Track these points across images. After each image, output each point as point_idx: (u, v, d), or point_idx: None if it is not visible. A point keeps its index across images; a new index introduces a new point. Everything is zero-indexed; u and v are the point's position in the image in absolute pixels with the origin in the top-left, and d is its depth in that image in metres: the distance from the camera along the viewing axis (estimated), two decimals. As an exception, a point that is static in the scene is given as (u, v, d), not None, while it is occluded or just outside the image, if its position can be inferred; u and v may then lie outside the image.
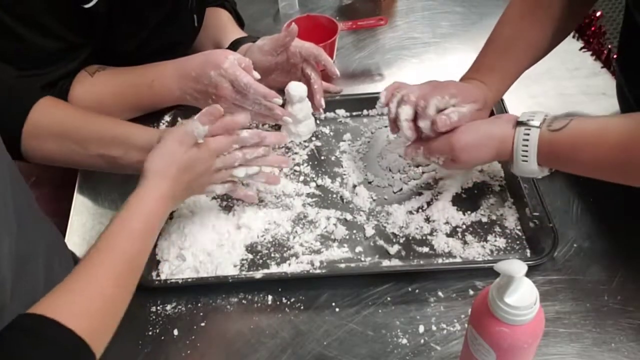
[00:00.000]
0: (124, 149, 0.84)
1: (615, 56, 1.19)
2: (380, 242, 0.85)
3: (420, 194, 0.91)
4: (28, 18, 0.84)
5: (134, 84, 0.98)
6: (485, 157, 0.83)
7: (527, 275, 0.55)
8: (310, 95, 1.00)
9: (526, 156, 0.78)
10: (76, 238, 0.89)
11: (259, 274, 0.81)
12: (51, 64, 0.91)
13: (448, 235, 0.85)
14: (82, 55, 0.94)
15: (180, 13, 1.02)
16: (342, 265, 0.83)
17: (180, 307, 0.80)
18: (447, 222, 0.86)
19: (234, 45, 1.06)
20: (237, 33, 1.09)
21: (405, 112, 0.85)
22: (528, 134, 0.77)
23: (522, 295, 0.56)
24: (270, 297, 0.80)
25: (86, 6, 0.86)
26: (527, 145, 0.77)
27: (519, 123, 0.79)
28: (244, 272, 0.83)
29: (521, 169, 0.80)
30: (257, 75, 0.94)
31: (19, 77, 0.89)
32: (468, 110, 0.85)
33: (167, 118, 1.02)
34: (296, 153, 0.99)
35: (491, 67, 0.91)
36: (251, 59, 1.00)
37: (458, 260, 0.82)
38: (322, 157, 0.99)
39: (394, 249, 0.84)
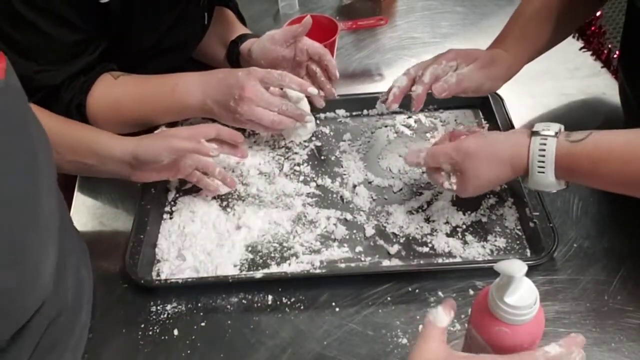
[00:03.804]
0: (99, 159, 0.85)
1: (615, 56, 1.19)
2: (380, 242, 0.85)
3: (420, 193, 0.91)
4: (47, 10, 0.83)
5: (156, 88, 0.97)
6: (495, 170, 0.76)
7: (527, 275, 0.55)
8: (320, 88, 1.01)
9: (543, 167, 0.73)
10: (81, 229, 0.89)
11: (259, 274, 0.81)
12: (71, 57, 0.91)
13: (448, 235, 0.85)
14: (101, 46, 0.94)
15: (192, 11, 1.02)
16: (342, 265, 0.83)
17: (180, 307, 0.80)
18: (447, 222, 0.86)
19: (240, 40, 1.06)
20: (242, 30, 1.10)
21: (400, 81, 0.87)
22: (545, 144, 0.73)
23: (522, 295, 0.56)
24: (270, 297, 0.80)
25: (102, 1, 0.86)
26: (543, 155, 0.73)
27: (534, 133, 0.74)
28: (244, 272, 0.83)
29: (537, 182, 0.75)
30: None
31: (39, 71, 0.89)
32: (469, 70, 0.85)
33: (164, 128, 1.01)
34: (296, 153, 0.99)
35: (514, 37, 0.92)
36: (260, 48, 1.00)
37: (458, 260, 0.82)
38: (322, 157, 0.99)
39: (394, 249, 0.84)
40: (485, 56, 0.88)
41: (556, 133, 0.73)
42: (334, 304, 0.79)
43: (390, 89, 0.90)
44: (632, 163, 0.69)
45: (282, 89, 0.97)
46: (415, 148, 0.85)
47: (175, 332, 0.77)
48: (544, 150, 0.73)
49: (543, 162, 0.73)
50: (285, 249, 0.85)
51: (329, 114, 1.06)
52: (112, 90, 0.96)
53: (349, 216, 0.89)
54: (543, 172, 0.73)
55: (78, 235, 0.79)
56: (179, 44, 1.05)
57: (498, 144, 0.77)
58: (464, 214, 0.87)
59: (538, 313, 0.57)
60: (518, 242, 0.84)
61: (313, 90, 0.94)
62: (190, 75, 0.97)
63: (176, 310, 0.80)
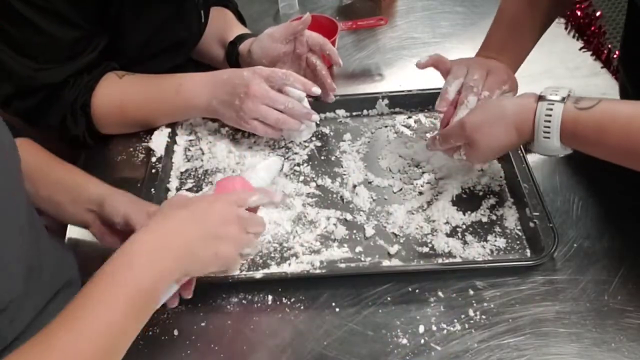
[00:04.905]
0: (72, 197, 0.80)
1: (615, 56, 1.20)
2: (380, 242, 0.85)
3: (420, 193, 0.91)
4: (45, 7, 0.84)
5: (160, 87, 0.97)
6: (503, 136, 0.78)
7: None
8: (320, 84, 1.00)
9: (548, 132, 0.74)
10: (76, 237, 0.89)
11: (259, 274, 0.81)
12: (71, 55, 0.91)
13: (448, 235, 0.85)
14: (100, 44, 0.94)
15: (188, 9, 1.02)
16: (342, 265, 0.83)
17: (180, 307, 0.80)
18: (447, 222, 0.86)
19: (238, 41, 1.06)
20: (241, 30, 1.10)
21: (472, 102, 0.86)
22: (551, 109, 0.73)
23: None
24: (270, 297, 0.80)
25: None
26: (549, 121, 0.73)
27: (541, 97, 0.75)
28: (244, 272, 0.83)
29: (542, 147, 0.76)
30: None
31: (39, 70, 0.89)
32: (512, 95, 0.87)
33: (164, 128, 1.02)
34: (296, 153, 0.99)
35: (502, 46, 0.92)
36: (260, 47, 1.00)
37: (458, 260, 0.82)
38: (322, 157, 0.99)
39: (394, 249, 0.83)
40: (513, 80, 0.90)
41: (564, 98, 0.74)
42: (334, 304, 0.79)
43: (450, 100, 0.89)
44: (634, 133, 0.69)
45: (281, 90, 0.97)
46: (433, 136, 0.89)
47: (175, 332, 0.77)
48: (550, 116, 0.73)
49: (549, 127, 0.73)
50: (285, 249, 0.85)
51: (329, 114, 1.06)
52: (116, 89, 0.96)
53: (349, 216, 0.88)
54: (548, 138, 0.74)
55: (61, 244, 0.79)
56: (176, 44, 1.05)
57: (504, 110, 0.78)
58: (464, 214, 0.87)
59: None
60: (518, 242, 0.84)
61: (317, 89, 0.94)
62: (195, 75, 0.97)
63: (176, 310, 0.80)
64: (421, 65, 0.93)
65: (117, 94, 0.96)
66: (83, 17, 0.88)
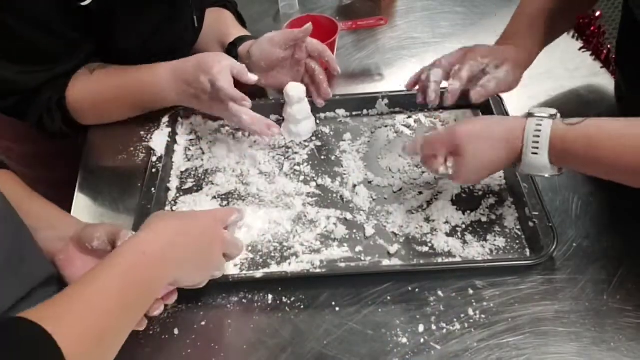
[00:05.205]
0: (48, 223, 0.78)
1: (614, 55, 1.20)
2: (380, 242, 0.85)
3: (420, 193, 0.91)
4: (30, 17, 0.84)
5: (130, 81, 0.98)
6: (490, 150, 0.77)
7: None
8: (316, 87, 1.01)
9: (537, 148, 0.73)
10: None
11: (259, 274, 0.81)
12: (53, 62, 0.92)
13: (448, 235, 0.85)
14: (84, 53, 0.95)
15: (180, 12, 1.03)
16: (342, 265, 0.83)
17: (180, 306, 0.80)
18: (446, 222, 0.86)
19: (237, 43, 1.06)
20: (240, 31, 1.10)
21: (435, 74, 0.86)
22: (540, 124, 0.73)
23: None
24: (270, 297, 0.80)
25: (83, 4, 0.86)
26: (538, 136, 0.73)
27: (530, 114, 0.75)
28: (244, 272, 0.83)
29: (530, 164, 0.75)
30: (254, 77, 0.94)
31: (20, 72, 0.89)
32: (504, 74, 0.87)
33: (165, 119, 1.02)
34: (296, 153, 0.99)
35: (522, 35, 0.93)
36: (259, 50, 1.01)
37: (458, 259, 0.82)
38: (322, 157, 0.99)
39: (393, 249, 0.84)
40: (514, 58, 0.90)
41: (552, 115, 0.74)
42: (333, 303, 0.79)
43: (419, 80, 0.91)
44: (626, 149, 0.70)
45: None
46: (415, 138, 0.88)
47: (176, 331, 0.77)
48: (539, 131, 0.73)
49: (537, 142, 0.73)
50: (285, 248, 0.85)
51: (329, 114, 1.06)
52: (89, 87, 0.97)
53: (349, 216, 0.89)
54: (537, 154, 0.74)
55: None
56: (171, 46, 1.05)
57: (494, 125, 0.79)
58: (464, 214, 0.87)
59: None
60: (517, 241, 0.84)
61: (247, 103, 0.92)
62: (163, 72, 0.97)
63: (176, 309, 0.80)
64: (410, 86, 0.97)
65: (89, 90, 0.97)
66: (72, 26, 0.89)
